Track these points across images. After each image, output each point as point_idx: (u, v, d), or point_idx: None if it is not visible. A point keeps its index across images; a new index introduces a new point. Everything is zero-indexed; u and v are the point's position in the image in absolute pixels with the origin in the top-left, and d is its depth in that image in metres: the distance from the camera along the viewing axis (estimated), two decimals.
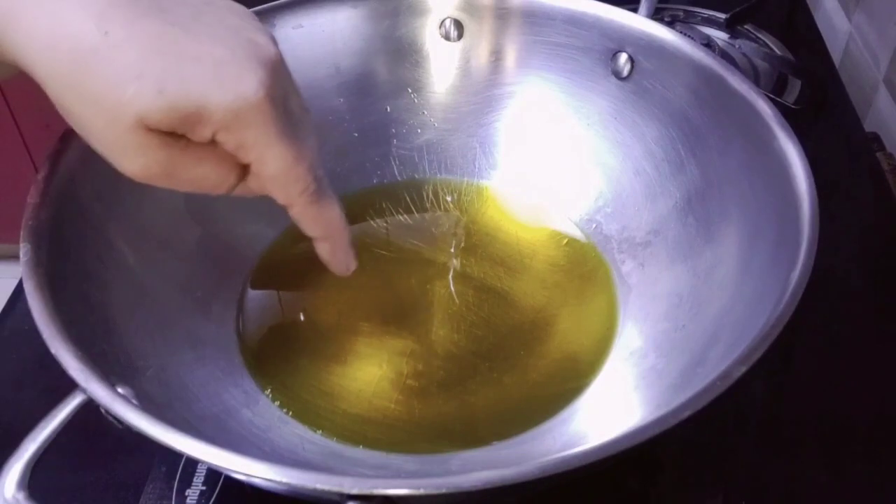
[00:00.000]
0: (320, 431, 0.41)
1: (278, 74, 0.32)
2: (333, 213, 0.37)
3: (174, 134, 0.31)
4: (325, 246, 0.39)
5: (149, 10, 0.30)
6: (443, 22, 0.52)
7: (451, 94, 0.53)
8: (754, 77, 0.66)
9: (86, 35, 0.29)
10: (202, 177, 0.32)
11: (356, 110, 0.52)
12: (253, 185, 0.34)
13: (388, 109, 0.53)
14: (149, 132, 0.30)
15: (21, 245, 0.35)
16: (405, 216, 0.52)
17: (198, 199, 0.46)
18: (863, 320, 0.50)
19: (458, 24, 0.52)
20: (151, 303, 0.42)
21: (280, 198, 0.35)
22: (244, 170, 0.33)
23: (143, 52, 0.29)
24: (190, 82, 0.30)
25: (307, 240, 0.51)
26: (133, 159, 0.31)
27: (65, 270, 0.36)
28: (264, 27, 0.33)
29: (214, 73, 0.30)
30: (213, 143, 0.31)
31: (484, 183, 0.53)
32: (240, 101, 0.30)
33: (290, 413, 0.41)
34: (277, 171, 0.33)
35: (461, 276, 0.48)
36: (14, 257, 0.43)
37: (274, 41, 0.33)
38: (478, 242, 0.50)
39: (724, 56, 0.66)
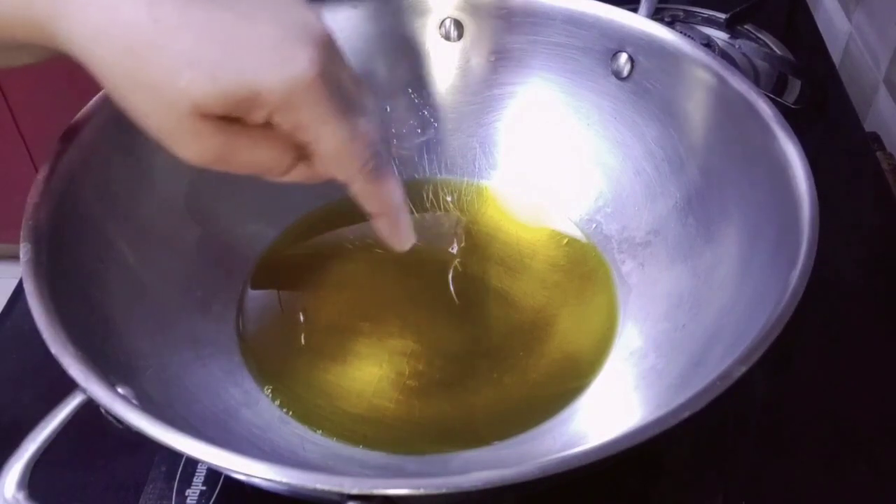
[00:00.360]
0: (320, 431, 0.41)
1: (329, 52, 0.32)
2: (392, 189, 0.36)
3: (229, 118, 0.31)
4: (384, 222, 0.38)
5: None
6: (443, 22, 0.52)
7: (451, 94, 0.53)
8: (754, 77, 0.66)
9: (137, 23, 0.29)
10: (258, 159, 0.32)
11: None
12: (316, 166, 0.34)
13: (388, 109, 0.53)
14: (204, 118, 0.30)
15: (21, 245, 0.35)
16: None
17: (198, 199, 0.46)
18: (863, 320, 0.50)
19: (458, 24, 0.52)
20: (151, 303, 0.42)
21: (339, 175, 0.34)
22: (300, 150, 0.33)
23: (195, 39, 0.29)
24: (242, 67, 0.29)
25: (307, 240, 0.51)
26: (189, 145, 0.31)
27: (65, 270, 0.36)
28: (310, 4, 0.33)
29: (266, 56, 0.30)
30: (268, 125, 0.31)
31: (484, 183, 0.53)
32: (292, 82, 0.30)
33: (290, 413, 0.41)
34: (334, 149, 0.33)
35: (461, 276, 0.48)
36: (14, 257, 0.43)
37: (321, 18, 0.33)
38: (478, 242, 0.50)
39: (724, 56, 0.66)
